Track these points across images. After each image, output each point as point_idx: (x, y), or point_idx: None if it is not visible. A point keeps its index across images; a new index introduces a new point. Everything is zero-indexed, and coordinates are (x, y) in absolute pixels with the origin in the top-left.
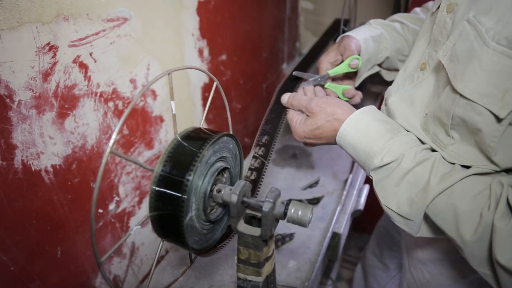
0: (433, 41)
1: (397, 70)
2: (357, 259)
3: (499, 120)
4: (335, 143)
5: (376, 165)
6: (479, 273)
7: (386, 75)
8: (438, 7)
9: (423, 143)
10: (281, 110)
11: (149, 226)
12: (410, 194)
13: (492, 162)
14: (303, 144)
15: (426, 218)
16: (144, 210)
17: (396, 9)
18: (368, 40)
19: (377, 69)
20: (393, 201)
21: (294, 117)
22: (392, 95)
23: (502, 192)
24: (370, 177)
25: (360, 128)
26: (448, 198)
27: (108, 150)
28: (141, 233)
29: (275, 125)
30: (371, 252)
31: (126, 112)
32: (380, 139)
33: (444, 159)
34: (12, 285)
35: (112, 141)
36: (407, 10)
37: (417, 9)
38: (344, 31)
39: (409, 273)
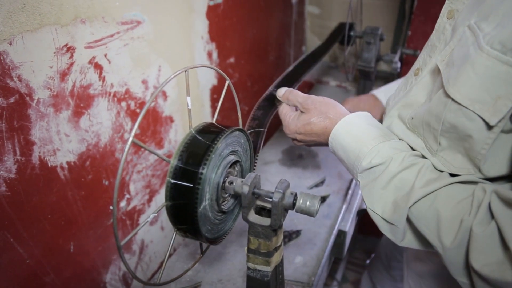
0: (429, 46)
1: None
2: (363, 261)
3: (489, 127)
4: (324, 142)
5: (364, 167)
6: (459, 282)
7: None
8: None
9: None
10: (270, 106)
11: (158, 224)
12: (395, 198)
13: (480, 170)
14: (292, 140)
15: (411, 226)
16: (153, 209)
17: (401, 14)
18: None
19: None
20: (379, 205)
21: (288, 112)
22: (389, 103)
23: (484, 198)
24: (357, 182)
25: (353, 130)
26: (432, 203)
27: (130, 139)
28: (150, 231)
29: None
30: (379, 262)
31: (149, 101)
32: (371, 142)
33: (434, 166)
34: (28, 277)
35: (133, 131)
36: (411, 14)
37: None
38: (349, 36)
39: (408, 284)
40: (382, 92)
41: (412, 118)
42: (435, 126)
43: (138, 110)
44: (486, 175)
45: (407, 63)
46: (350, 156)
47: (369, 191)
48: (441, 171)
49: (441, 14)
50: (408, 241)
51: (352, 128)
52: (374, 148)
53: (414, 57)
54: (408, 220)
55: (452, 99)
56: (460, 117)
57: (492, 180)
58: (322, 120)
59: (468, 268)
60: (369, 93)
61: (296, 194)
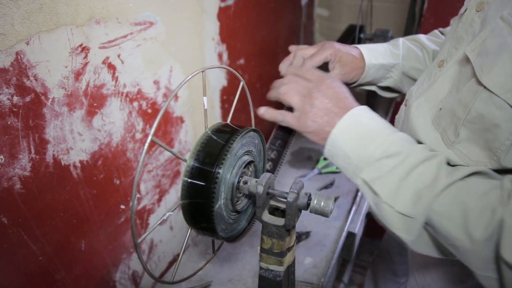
0: (455, 38)
1: (395, 91)
2: (369, 264)
3: None
4: (321, 123)
5: (377, 157)
6: (481, 278)
7: (382, 93)
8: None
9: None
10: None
11: (167, 224)
12: (417, 189)
13: (500, 162)
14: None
15: (427, 226)
16: (163, 209)
17: (411, 16)
18: (375, 67)
19: (372, 87)
20: (397, 197)
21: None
22: (412, 94)
23: None
24: (358, 180)
25: (362, 121)
26: (456, 194)
27: (149, 138)
28: (159, 230)
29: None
30: (381, 258)
31: (169, 99)
32: (384, 131)
33: (448, 160)
34: (40, 274)
35: (153, 129)
36: (421, 16)
37: (440, 30)
38: (360, 39)
39: (413, 277)
40: (366, 49)
41: (440, 109)
42: (460, 115)
43: (149, 111)
44: (505, 166)
45: None
46: (358, 146)
47: (384, 183)
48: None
49: (469, 7)
50: (421, 242)
51: (360, 119)
52: (386, 138)
53: None
54: (426, 225)
55: (485, 87)
56: (489, 105)
57: (506, 172)
58: (327, 112)
59: (497, 261)
60: (355, 46)
61: (310, 195)
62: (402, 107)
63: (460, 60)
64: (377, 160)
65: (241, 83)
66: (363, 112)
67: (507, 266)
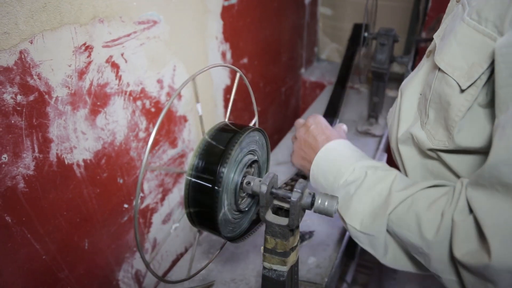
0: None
1: None
2: (373, 264)
3: (462, 91)
4: (308, 160)
5: (341, 185)
6: (447, 282)
7: None
8: None
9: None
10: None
11: (170, 224)
12: (374, 208)
13: (453, 139)
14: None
15: (393, 238)
16: (166, 207)
17: (415, 14)
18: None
19: None
20: (357, 218)
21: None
22: (404, 85)
23: (462, 189)
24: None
25: (332, 154)
26: (410, 206)
27: (151, 138)
28: (162, 229)
29: None
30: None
31: (162, 114)
32: (347, 161)
33: (422, 141)
34: (44, 273)
35: (154, 131)
36: (425, 15)
37: None
38: (365, 38)
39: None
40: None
41: (420, 94)
42: (427, 95)
43: (153, 110)
44: (458, 144)
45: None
46: (328, 178)
47: (347, 207)
48: (430, 149)
49: None
50: (392, 257)
51: (332, 153)
52: (350, 167)
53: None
54: (389, 233)
55: (439, 68)
56: (442, 84)
57: (464, 153)
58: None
59: (453, 262)
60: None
61: (314, 194)
62: (398, 99)
63: (433, 46)
64: (342, 188)
65: (238, 75)
66: (333, 145)
67: (460, 265)
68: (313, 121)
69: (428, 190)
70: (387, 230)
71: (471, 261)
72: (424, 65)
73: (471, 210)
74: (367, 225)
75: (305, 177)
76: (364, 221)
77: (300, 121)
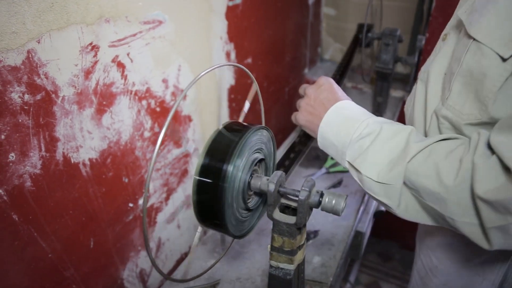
0: (456, 14)
1: None
2: (376, 264)
3: (504, 60)
4: (317, 118)
5: (355, 139)
6: (462, 225)
7: None
8: None
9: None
10: None
11: (174, 223)
12: (391, 158)
13: (488, 111)
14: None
15: (408, 190)
16: (170, 207)
17: (419, 15)
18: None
19: None
20: (374, 169)
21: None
22: (422, 71)
23: (480, 137)
24: (346, 164)
25: (344, 112)
26: (428, 156)
27: (159, 140)
28: (167, 229)
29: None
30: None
31: (169, 118)
32: (360, 117)
33: (443, 117)
34: (50, 271)
35: (162, 132)
36: (429, 15)
37: None
38: (367, 37)
39: (419, 259)
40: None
41: (445, 74)
42: (453, 69)
43: (158, 109)
44: (493, 115)
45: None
46: (340, 134)
47: (363, 159)
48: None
49: None
50: (404, 208)
51: (344, 110)
52: (364, 122)
53: None
54: (405, 183)
55: (474, 39)
56: (477, 55)
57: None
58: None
59: (474, 203)
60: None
61: (322, 193)
62: (415, 86)
63: (456, 25)
64: (356, 142)
65: (254, 85)
66: (345, 104)
67: (482, 202)
68: (325, 80)
69: (445, 141)
70: (404, 185)
71: (495, 197)
72: (442, 48)
73: (491, 154)
74: (384, 175)
75: (309, 136)
76: (382, 171)
77: (305, 85)
